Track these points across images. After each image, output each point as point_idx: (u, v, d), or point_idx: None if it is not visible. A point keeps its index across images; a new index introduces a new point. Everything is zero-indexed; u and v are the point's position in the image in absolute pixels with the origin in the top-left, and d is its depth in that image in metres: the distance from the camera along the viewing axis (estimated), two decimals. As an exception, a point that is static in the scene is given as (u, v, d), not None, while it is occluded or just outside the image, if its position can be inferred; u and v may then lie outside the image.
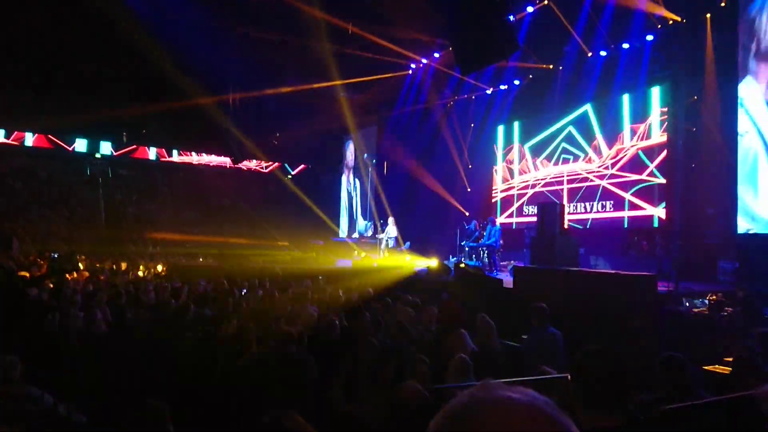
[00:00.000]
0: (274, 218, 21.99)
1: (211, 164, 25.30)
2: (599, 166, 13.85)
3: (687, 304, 7.65)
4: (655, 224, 12.38)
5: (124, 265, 12.63)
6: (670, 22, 11.81)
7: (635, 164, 12.94)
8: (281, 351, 4.00)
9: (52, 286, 7.45)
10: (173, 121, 20.57)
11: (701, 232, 11.30)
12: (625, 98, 13.34)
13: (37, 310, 5.66)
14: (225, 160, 25.51)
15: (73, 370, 4.68)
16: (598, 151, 13.95)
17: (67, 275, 8.80)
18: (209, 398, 4.05)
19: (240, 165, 25.56)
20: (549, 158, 15.47)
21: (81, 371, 4.74)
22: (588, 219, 13.94)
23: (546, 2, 12.80)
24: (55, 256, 13.33)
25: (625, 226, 13.05)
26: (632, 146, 13.09)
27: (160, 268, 12.30)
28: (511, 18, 12.70)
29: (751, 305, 7.12)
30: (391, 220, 15.70)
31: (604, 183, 13.64)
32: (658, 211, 12.29)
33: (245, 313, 5.79)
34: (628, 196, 12.97)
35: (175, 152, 24.89)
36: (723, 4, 10.82)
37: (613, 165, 13.50)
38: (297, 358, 3.85)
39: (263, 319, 5.26)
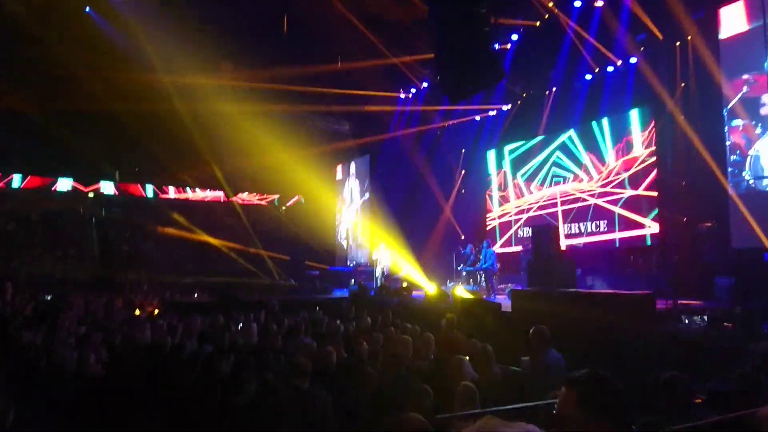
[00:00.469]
0: (268, 250, 21.90)
1: (205, 200, 25.29)
2: (593, 186, 13.98)
3: (686, 321, 7.64)
4: (648, 242, 12.44)
5: (119, 304, 12.50)
6: (658, 38, 12.05)
7: (626, 184, 13.07)
8: (291, 385, 3.94)
9: (44, 329, 7.36)
10: (165, 157, 20.62)
11: (697, 249, 11.35)
12: (612, 120, 13.54)
13: (30, 354, 5.58)
14: (218, 194, 25.51)
15: (68, 414, 4.59)
16: (588, 171, 14.09)
17: (60, 317, 8.69)
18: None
19: (234, 199, 25.56)
20: (541, 180, 15.60)
21: (76, 415, 4.65)
22: (581, 240, 13.98)
23: (536, 25, 13.07)
24: (48, 298, 13.18)
25: (617, 245, 13.10)
26: (622, 166, 13.24)
27: (154, 305, 12.18)
28: (496, 46, 13.04)
29: (748, 321, 7.12)
30: (382, 247, 15.69)
31: (599, 202, 13.73)
32: (651, 225, 12.35)
33: (242, 350, 5.72)
34: (619, 210, 13.05)
35: (170, 189, 24.90)
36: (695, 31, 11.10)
37: (606, 185, 13.62)
38: (311, 393, 3.80)
39: (262, 354, 5.20)
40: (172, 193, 25.01)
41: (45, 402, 4.63)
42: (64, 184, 22.82)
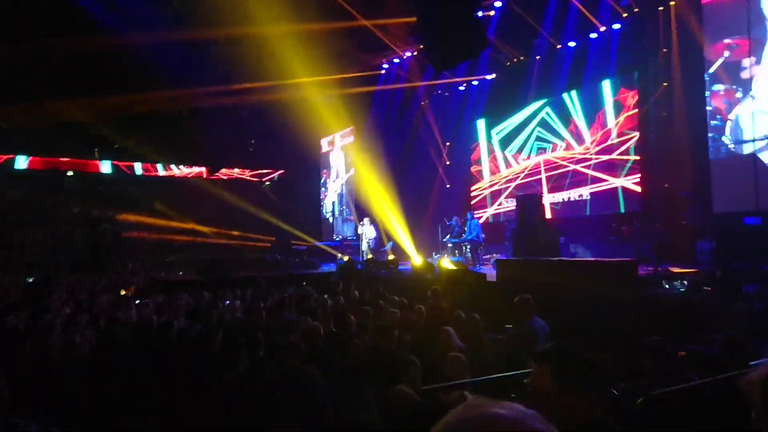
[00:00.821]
0: (254, 226, 21.81)
1: (188, 176, 24.97)
2: (574, 154, 14.04)
3: (667, 287, 7.79)
4: (621, 200, 12.62)
5: (102, 284, 12.41)
6: (636, 9, 12.01)
7: (609, 151, 13.15)
8: (286, 363, 3.95)
9: (29, 312, 7.28)
10: (147, 133, 20.27)
11: (678, 214, 11.52)
12: (598, 87, 13.52)
13: (15, 339, 5.52)
14: (201, 170, 25.22)
15: (57, 397, 4.58)
16: (575, 136, 14.13)
17: (45, 300, 8.61)
18: (203, 414, 3.98)
19: (217, 175, 25.30)
20: (525, 149, 15.62)
21: (65, 397, 4.64)
22: (561, 201, 14.12)
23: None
24: (31, 281, 13.03)
25: (589, 211, 13.26)
26: (604, 134, 13.29)
27: (140, 284, 12.11)
28: (480, 14, 12.84)
29: (728, 283, 7.27)
30: (366, 220, 15.67)
31: (579, 168, 13.83)
32: (622, 182, 12.49)
33: (230, 325, 5.71)
34: (597, 174, 13.20)
35: (157, 166, 24.53)
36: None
37: (587, 151, 13.70)
38: (305, 372, 3.80)
39: (249, 330, 5.19)
40: (154, 169, 24.64)
41: (33, 385, 4.61)
42: (21, 162, 22.28)
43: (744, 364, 3.02)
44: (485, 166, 17.17)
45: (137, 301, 8.27)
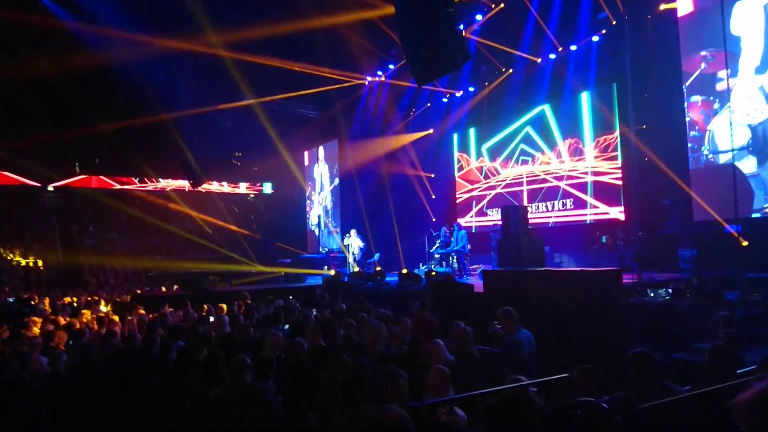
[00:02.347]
0: (238, 239, 21.66)
1: (167, 189, 24.70)
2: (558, 168, 14.20)
3: (652, 295, 7.87)
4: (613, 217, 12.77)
5: (84, 301, 12.19)
6: (614, 23, 12.24)
7: (589, 161, 13.32)
8: (240, 382, 3.90)
9: (8, 332, 7.11)
10: (127, 146, 20.07)
11: (660, 223, 11.69)
12: (578, 98, 13.72)
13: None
14: (183, 184, 24.99)
15: (37, 417, 4.47)
16: (556, 152, 14.29)
17: (25, 319, 8.42)
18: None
19: (200, 188, 25.08)
20: (507, 160, 15.75)
21: (46, 417, 4.53)
22: (550, 219, 14.25)
23: (495, 9, 13.11)
24: (11, 300, 12.75)
25: (588, 222, 13.40)
26: (586, 145, 13.47)
27: (122, 299, 11.93)
28: (462, 28, 12.99)
29: (705, 290, 7.38)
30: (353, 231, 15.63)
31: (562, 184, 13.99)
32: (615, 212, 12.68)
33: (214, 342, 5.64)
34: (588, 198, 13.33)
35: (130, 179, 24.26)
36: (661, 8, 11.28)
37: (568, 163, 13.87)
38: (255, 389, 3.75)
39: (233, 347, 5.13)
40: (132, 184, 24.37)
41: (14, 406, 4.50)
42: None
43: (731, 374, 3.05)
44: (465, 176, 17.27)
45: (118, 317, 8.13)
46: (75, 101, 17.03)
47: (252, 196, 26.22)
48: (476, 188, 16.87)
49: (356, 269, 14.08)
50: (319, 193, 22.60)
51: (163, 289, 15.36)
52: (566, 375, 3.76)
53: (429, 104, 18.08)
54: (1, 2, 13.07)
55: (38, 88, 16.94)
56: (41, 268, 19.03)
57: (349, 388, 3.54)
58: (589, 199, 13.29)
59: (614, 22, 12.23)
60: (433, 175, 18.13)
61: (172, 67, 15.85)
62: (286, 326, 6.53)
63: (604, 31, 12.55)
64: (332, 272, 14.42)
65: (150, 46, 14.23)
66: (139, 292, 14.14)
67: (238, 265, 19.60)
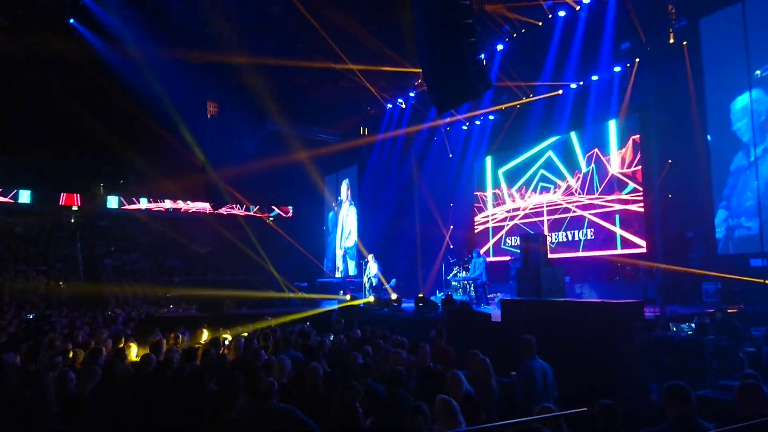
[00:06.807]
0: (257, 263, 21.73)
1: (189, 211, 25.06)
2: (577, 195, 14.08)
3: (674, 329, 7.66)
4: (618, 241, 12.57)
5: (103, 320, 12.29)
6: (637, 60, 12.21)
7: (612, 191, 13.18)
8: (262, 405, 3.86)
9: (27, 349, 7.17)
10: (150, 169, 20.49)
11: (683, 256, 11.45)
12: (598, 128, 13.67)
13: (12, 376, 5.42)
14: (204, 206, 25.31)
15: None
16: (577, 179, 14.19)
17: (44, 337, 8.51)
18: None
19: (221, 210, 25.38)
20: (527, 190, 15.67)
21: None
22: (576, 252, 14.06)
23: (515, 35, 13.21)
24: (31, 317, 12.92)
25: (617, 248, 13.19)
26: (608, 175, 13.35)
27: (140, 319, 12.00)
28: (483, 57, 13.11)
29: (729, 325, 7.16)
30: (371, 257, 15.55)
31: (587, 214, 13.84)
32: (639, 243, 12.48)
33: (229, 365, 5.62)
34: (617, 229, 13.14)
35: (146, 201, 24.64)
36: (672, 41, 11.24)
37: (589, 192, 13.74)
38: (280, 411, 3.71)
39: (248, 370, 5.10)
40: (154, 204, 24.76)
41: (31, 424, 4.51)
42: (24, 196, 22.39)
43: (762, 413, 2.92)
44: (489, 202, 17.19)
45: (137, 339, 8.16)
46: (99, 125, 17.49)
47: (272, 219, 26.42)
48: (496, 217, 16.76)
49: (371, 298, 13.87)
50: (337, 217, 22.67)
51: (181, 310, 15.44)
52: (585, 409, 3.65)
53: (449, 129, 18.16)
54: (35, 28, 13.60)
55: (67, 112, 17.46)
56: (62, 286, 19.26)
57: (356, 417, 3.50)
58: (617, 230, 13.04)
59: (643, 46, 12.17)
60: (452, 205, 18.09)
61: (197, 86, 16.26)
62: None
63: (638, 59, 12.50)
64: (347, 297, 14.36)
65: (179, 64, 14.65)
66: (153, 313, 14.21)
67: (254, 291, 19.64)
